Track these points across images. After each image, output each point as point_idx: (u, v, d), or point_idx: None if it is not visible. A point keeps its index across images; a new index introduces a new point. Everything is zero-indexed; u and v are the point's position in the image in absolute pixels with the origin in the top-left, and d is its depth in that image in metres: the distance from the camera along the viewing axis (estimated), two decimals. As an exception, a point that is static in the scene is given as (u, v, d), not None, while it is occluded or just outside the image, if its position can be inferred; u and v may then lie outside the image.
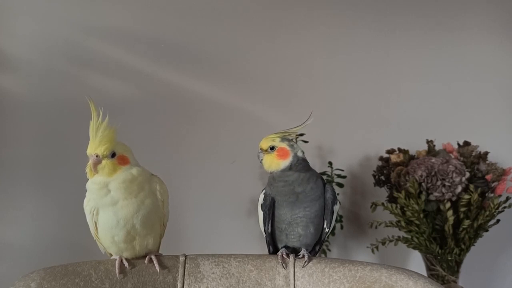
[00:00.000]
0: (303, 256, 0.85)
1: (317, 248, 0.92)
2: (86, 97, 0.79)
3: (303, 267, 0.83)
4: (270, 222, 0.88)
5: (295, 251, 0.88)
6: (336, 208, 0.88)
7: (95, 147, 0.77)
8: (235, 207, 1.37)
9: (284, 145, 0.86)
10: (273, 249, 0.92)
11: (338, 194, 1.37)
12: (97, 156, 0.76)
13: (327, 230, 0.88)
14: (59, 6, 1.29)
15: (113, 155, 0.77)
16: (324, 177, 1.36)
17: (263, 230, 0.90)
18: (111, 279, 0.78)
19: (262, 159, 0.86)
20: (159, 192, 0.82)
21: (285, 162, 0.85)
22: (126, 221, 0.78)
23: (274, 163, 0.85)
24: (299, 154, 0.86)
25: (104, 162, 0.77)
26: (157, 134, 1.34)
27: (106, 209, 0.78)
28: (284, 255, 0.86)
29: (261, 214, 0.89)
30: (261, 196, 0.89)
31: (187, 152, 1.37)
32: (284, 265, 0.84)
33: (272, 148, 0.86)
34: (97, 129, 0.77)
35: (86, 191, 0.80)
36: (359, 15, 1.45)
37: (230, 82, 1.40)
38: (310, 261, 0.84)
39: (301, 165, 0.85)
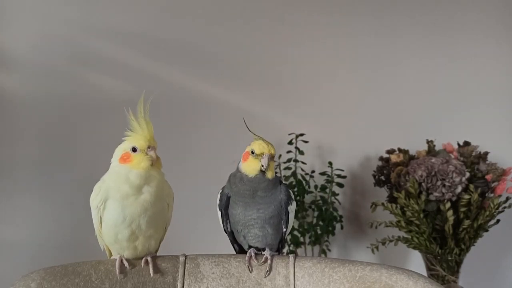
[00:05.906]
0: (265, 260, 0.82)
1: (280, 245, 0.89)
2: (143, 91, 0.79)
3: (265, 277, 0.82)
4: (228, 222, 0.86)
5: (259, 251, 0.85)
6: (292, 208, 0.84)
7: (149, 138, 0.80)
8: (235, 207, 1.37)
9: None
10: (238, 248, 0.89)
11: (338, 194, 1.37)
12: (151, 147, 0.79)
13: (284, 230, 0.85)
14: (59, 5, 1.29)
15: None
16: (324, 177, 1.36)
17: (223, 230, 0.88)
18: (111, 279, 0.78)
19: (268, 166, 0.80)
20: (166, 196, 0.81)
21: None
22: (132, 219, 0.77)
23: (273, 170, 0.82)
24: None
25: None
26: (157, 133, 1.34)
27: (116, 202, 0.76)
28: (252, 256, 0.83)
29: (219, 214, 0.87)
30: (218, 196, 0.86)
31: (187, 152, 1.37)
32: (250, 268, 0.82)
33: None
34: (146, 121, 0.79)
35: (86, 191, 0.80)
36: (360, 16, 1.45)
37: (230, 82, 1.40)
38: (272, 262, 0.82)
39: None
